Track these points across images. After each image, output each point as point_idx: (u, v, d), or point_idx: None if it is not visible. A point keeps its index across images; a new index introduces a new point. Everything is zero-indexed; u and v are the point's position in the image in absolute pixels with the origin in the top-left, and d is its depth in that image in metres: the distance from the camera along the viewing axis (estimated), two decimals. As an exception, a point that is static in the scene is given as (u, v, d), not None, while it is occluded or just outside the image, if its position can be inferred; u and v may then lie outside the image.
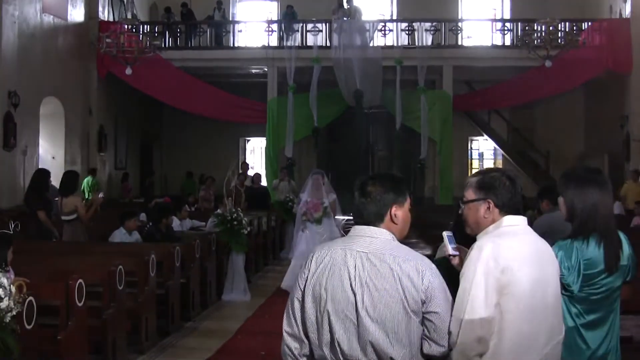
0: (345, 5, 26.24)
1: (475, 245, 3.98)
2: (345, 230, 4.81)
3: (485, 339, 3.82)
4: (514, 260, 3.85)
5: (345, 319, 3.72)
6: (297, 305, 3.92)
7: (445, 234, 4.47)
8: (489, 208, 4.08)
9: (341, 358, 3.75)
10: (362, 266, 3.74)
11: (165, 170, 29.79)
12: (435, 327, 3.72)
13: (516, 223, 4.06)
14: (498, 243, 3.91)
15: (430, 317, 3.71)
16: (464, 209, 4.22)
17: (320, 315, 3.80)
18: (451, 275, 4.07)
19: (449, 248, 4.39)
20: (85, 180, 23.80)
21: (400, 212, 3.94)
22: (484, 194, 4.10)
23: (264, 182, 23.48)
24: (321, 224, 13.58)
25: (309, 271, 3.90)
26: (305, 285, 3.89)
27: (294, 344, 3.94)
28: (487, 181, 4.12)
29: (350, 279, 3.74)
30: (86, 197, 21.57)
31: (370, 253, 3.77)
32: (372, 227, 3.89)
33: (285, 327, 3.99)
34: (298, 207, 14.19)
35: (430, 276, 3.72)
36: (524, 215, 4.13)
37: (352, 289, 3.73)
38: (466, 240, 4.33)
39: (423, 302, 3.69)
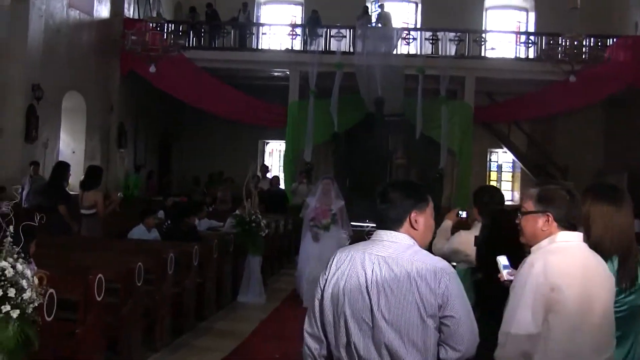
0: (371, 10, 26.27)
1: (527, 261, 3.98)
2: (368, 236, 4.82)
3: (529, 353, 3.83)
4: (563, 279, 3.85)
5: (362, 322, 3.75)
6: (317, 306, 3.98)
7: (498, 258, 4.45)
8: (547, 221, 4.06)
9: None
10: (380, 269, 3.76)
11: (183, 170, 29.79)
12: (451, 331, 3.71)
13: (570, 239, 4.04)
14: (549, 260, 3.91)
15: (446, 321, 3.71)
16: (522, 220, 4.21)
17: (338, 316, 3.84)
18: (478, 288, 4.07)
19: (504, 273, 4.38)
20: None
21: (421, 218, 3.95)
22: (544, 207, 4.08)
23: (281, 185, 23.52)
24: (329, 230, 13.24)
25: (329, 273, 3.95)
26: (324, 287, 3.94)
27: (313, 344, 4.01)
28: (548, 194, 4.11)
29: (367, 281, 3.77)
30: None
31: (388, 257, 3.79)
32: (392, 232, 3.91)
33: (306, 326, 4.05)
34: (306, 211, 13.80)
35: (448, 281, 3.72)
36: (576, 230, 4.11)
37: (368, 292, 3.75)
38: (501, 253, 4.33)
39: (440, 307, 3.69)
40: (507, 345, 3.86)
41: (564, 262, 3.91)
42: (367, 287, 3.76)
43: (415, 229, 3.93)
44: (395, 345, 3.68)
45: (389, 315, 3.69)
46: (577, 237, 4.06)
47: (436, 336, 3.73)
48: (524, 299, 3.83)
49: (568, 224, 4.04)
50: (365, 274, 3.78)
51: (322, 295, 3.95)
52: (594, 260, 4.04)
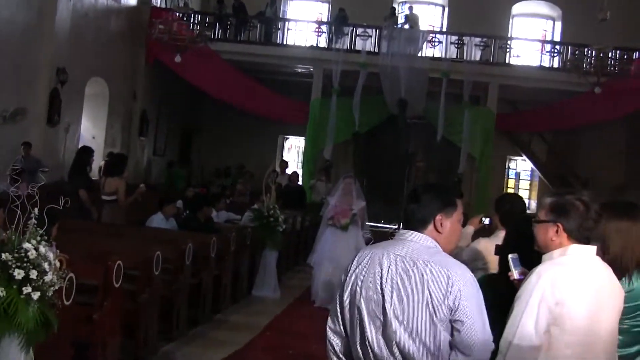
0: (398, 11, 26.25)
1: (536, 271, 3.95)
2: (392, 237, 4.81)
3: None
4: (570, 293, 3.81)
5: (375, 318, 3.78)
6: (338, 302, 4.02)
7: (510, 256, 4.42)
8: (557, 232, 4.02)
9: (371, 356, 3.80)
10: (395, 268, 3.78)
11: (202, 161, 29.83)
12: (461, 336, 3.70)
13: (582, 253, 3.99)
14: (558, 272, 3.88)
15: (456, 325, 3.70)
16: (535, 228, 4.17)
17: (354, 312, 3.88)
18: (495, 295, 4.04)
19: (514, 272, 4.35)
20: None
21: (448, 223, 3.96)
22: (555, 217, 4.04)
23: (300, 182, 23.52)
24: (347, 231, 12.88)
25: (350, 269, 3.98)
26: (345, 283, 3.97)
27: (336, 341, 4.06)
28: (561, 204, 4.06)
29: (381, 278, 3.80)
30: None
31: (406, 257, 3.81)
32: (415, 232, 3.93)
33: (329, 323, 4.10)
34: (325, 210, 13.51)
35: (462, 285, 3.70)
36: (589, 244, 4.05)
37: (381, 290, 3.78)
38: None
39: (450, 310, 3.68)
40: (507, 354, 3.85)
41: (572, 276, 3.88)
42: (381, 283, 3.79)
43: (439, 232, 3.94)
44: (405, 343, 3.69)
45: (400, 314, 3.71)
46: (590, 251, 4.01)
47: (447, 338, 3.72)
48: (528, 309, 3.82)
49: (580, 236, 3.99)
50: (382, 271, 3.81)
51: (342, 292, 3.98)
52: (605, 276, 4.00)
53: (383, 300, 3.74)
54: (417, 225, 3.93)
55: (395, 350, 3.70)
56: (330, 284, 12.42)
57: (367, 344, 3.78)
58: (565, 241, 4.01)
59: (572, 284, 3.84)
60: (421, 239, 3.88)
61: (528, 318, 3.80)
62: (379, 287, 3.78)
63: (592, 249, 4.04)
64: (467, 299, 3.68)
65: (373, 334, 3.77)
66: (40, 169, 15.99)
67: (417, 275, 3.72)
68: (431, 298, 3.67)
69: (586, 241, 4.01)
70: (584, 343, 3.83)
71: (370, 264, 3.87)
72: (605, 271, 4.02)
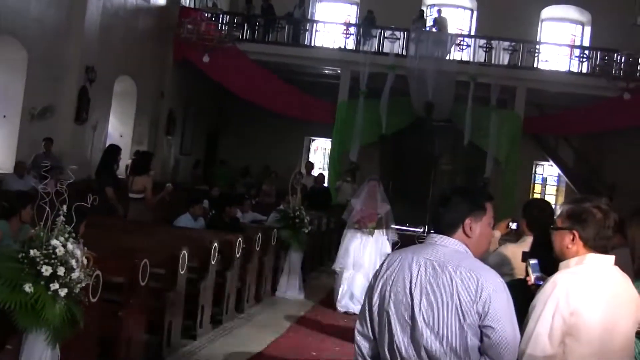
0: (427, 14, 26.20)
1: (551, 280, 3.91)
2: (419, 241, 4.77)
3: None
4: (585, 303, 3.77)
5: (404, 322, 3.75)
6: (367, 305, 3.99)
7: (530, 261, 4.40)
8: (573, 239, 3.99)
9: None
10: (425, 272, 3.76)
11: (228, 160, 29.88)
12: (491, 342, 3.66)
13: (599, 262, 3.93)
14: (574, 282, 3.83)
15: (486, 331, 3.66)
16: (552, 235, 4.15)
17: (383, 316, 3.85)
18: (523, 300, 4.02)
19: (532, 277, 4.33)
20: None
21: (477, 227, 3.92)
22: (571, 224, 4.00)
23: (326, 183, 23.53)
24: (372, 235, 12.65)
25: (379, 273, 3.96)
26: (374, 286, 3.95)
27: (363, 343, 4.03)
28: (578, 211, 4.01)
29: (411, 283, 3.77)
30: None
31: (436, 261, 3.78)
32: (444, 237, 3.90)
33: (357, 325, 4.07)
34: (348, 213, 13.15)
35: (492, 291, 3.66)
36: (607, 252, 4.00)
37: (411, 294, 3.75)
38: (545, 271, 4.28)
39: (480, 316, 3.65)
40: None
41: (587, 286, 3.83)
42: (410, 287, 3.76)
43: (469, 236, 3.90)
44: (434, 348, 3.67)
45: (429, 319, 3.69)
46: (607, 260, 3.95)
47: (476, 344, 3.69)
48: (542, 319, 3.78)
49: (597, 245, 3.94)
50: (411, 275, 3.78)
51: (371, 295, 3.95)
52: (622, 286, 3.95)
53: (412, 304, 3.73)
54: (446, 229, 3.91)
55: (424, 355, 3.69)
56: (355, 288, 12.41)
57: (396, 347, 3.76)
58: (581, 249, 3.97)
59: (587, 293, 3.80)
60: (451, 243, 3.86)
61: (542, 327, 3.77)
62: (408, 291, 3.76)
63: (610, 258, 3.98)
64: (497, 304, 3.65)
65: (401, 338, 3.75)
66: (58, 166, 16.09)
67: (446, 279, 3.70)
68: (460, 303, 3.65)
69: (603, 250, 3.96)
70: (599, 353, 3.79)
71: (400, 267, 3.85)
72: (622, 281, 3.97)
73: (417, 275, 3.76)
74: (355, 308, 12.06)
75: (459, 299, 3.65)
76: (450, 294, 3.67)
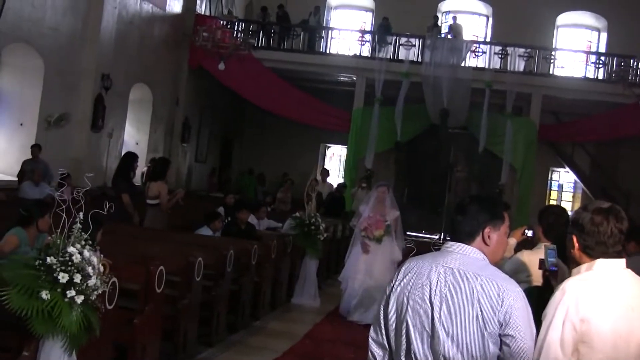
0: (442, 21, 26.19)
1: (561, 287, 3.85)
2: (434, 247, 4.75)
3: None
4: (596, 310, 3.72)
5: (423, 331, 3.74)
6: (382, 313, 3.98)
7: (547, 247, 4.38)
8: (574, 246, 3.98)
9: None
10: (445, 281, 3.75)
11: (243, 168, 29.94)
12: (511, 351, 3.66)
13: (610, 267, 3.88)
14: (583, 288, 3.78)
15: (506, 340, 3.66)
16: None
17: (400, 324, 3.83)
18: (539, 307, 4.01)
19: (547, 264, 4.31)
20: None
21: (495, 235, 3.93)
22: (571, 230, 4.00)
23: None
24: (381, 243, 12.22)
25: (396, 280, 3.94)
26: (390, 294, 3.94)
27: (378, 351, 4.03)
28: (575, 219, 3.99)
29: (430, 291, 3.76)
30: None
31: (455, 269, 3.77)
32: (462, 245, 3.89)
33: (371, 333, 4.07)
34: (358, 221, 12.72)
35: (512, 299, 3.66)
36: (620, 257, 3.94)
37: (430, 302, 3.74)
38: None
39: (501, 325, 3.65)
40: None
41: (598, 292, 3.77)
42: (430, 296, 3.75)
43: (487, 244, 3.91)
44: (453, 357, 3.65)
45: (449, 327, 3.67)
46: (617, 264, 3.90)
47: (495, 352, 3.69)
48: (552, 327, 3.73)
49: (596, 253, 3.89)
50: (430, 283, 3.77)
51: (387, 303, 3.95)
52: (634, 289, 3.88)
53: (432, 312, 3.71)
54: (465, 237, 3.91)
55: None
56: (363, 298, 12.18)
57: (413, 356, 3.75)
58: (583, 255, 3.94)
59: (597, 300, 3.74)
60: (469, 252, 3.86)
61: (553, 336, 3.72)
62: (427, 299, 3.75)
63: (621, 262, 3.92)
64: (518, 313, 3.66)
65: (419, 347, 3.74)
66: (47, 173, 16.14)
67: (467, 288, 3.69)
68: (481, 312, 3.64)
69: (604, 255, 3.89)
70: (612, 358, 3.74)
71: (417, 275, 3.84)
72: (635, 284, 3.90)
73: (437, 283, 3.75)
74: (366, 318, 11.92)
75: (480, 308, 3.65)
76: (472, 302, 3.66)
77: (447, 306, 3.70)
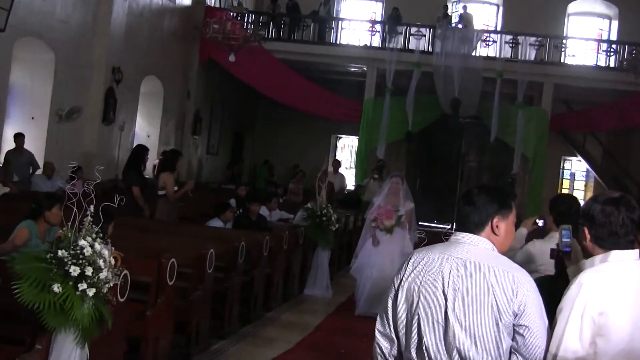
0: (452, 11, 26.12)
1: (576, 280, 3.79)
2: (445, 237, 4.72)
3: None
4: (612, 302, 3.68)
5: (435, 323, 3.72)
6: (390, 305, 3.95)
7: (562, 227, 4.35)
8: (585, 237, 3.94)
9: None
10: (457, 272, 3.73)
11: (255, 160, 29.94)
12: (525, 341, 3.66)
13: (624, 258, 3.82)
14: (600, 281, 3.74)
15: (520, 330, 3.66)
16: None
17: (411, 317, 3.81)
18: (551, 297, 3.99)
19: (561, 244, 4.28)
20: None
21: (503, 225, 3.92)
22: (582, 221, 3.95)
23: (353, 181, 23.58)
24: (392, 234, 11.84)
25: (404, 272, 3.91)
26: (399, 286, 3.91)
27: (384, 344, 3.99)
28: (586, 210, 3.94)
29: (443, 283, 3.73)
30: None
31: (467, 260, 3.75)
32: (472, 235, 3.88)
33: (377, 325, 4.04)
34: (369, 211, 12.47)
35: (526, 290, 3.66)
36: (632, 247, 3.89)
37: (444, 294, 3.72)
38: None
39: (515, 315, 3.64)
40: None
41: (614, 285, 3.73)
42: (443, 288, 3.73)
43: (496, 234, 3.90)
44: (467, 349, 3.64)
45: (463, 319, 3.66)
46: (632, 255, 3.84)
47: (509, 344, 3.68)
48: (570, 322, 3.68)
49: (607, 244, 3.84)
50: (442, 275, 3.75)
51: (396, 295, 3.92)
52: None
53: (445, 305, 3.70)
54: (475, 228, 3.90)
55: (455, 356, 3.66)
56: (375, 291, 11.71)
57: (424, 349, 3.73)
58: (595, 247, 3.88)
59: (614, 292, 3.70)
60: (479, 242, 3.85)
61: (571, 330, 3.67)
62: (440, 292, 3.73)
63: (635, 253, 3.86)
64: (531, 303, 3.66)
65: (431, 340, 3.71)
66: (32, 164, 16.15)
67: (481, 279, 3.68)
68: (497, 303, 3.63)
69: (625, 245, 3.84)
70: (632, 350, 3.69)
71: (428, 267, 3.81)
72: None
73: (450, 275, 3.73)
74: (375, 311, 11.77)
75: (495, 299, 3.64)
76: (486, 293, 3.65)
77: (461, 298, 3.68)
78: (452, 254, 3.80)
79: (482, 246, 3.83)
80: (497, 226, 3.89)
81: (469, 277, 3.70)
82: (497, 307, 3.63)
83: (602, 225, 3.83)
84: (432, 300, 3.74)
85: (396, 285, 3.94)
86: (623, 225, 3.81)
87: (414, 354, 3.79)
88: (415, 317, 3.77)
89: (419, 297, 3.78)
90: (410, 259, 3.96)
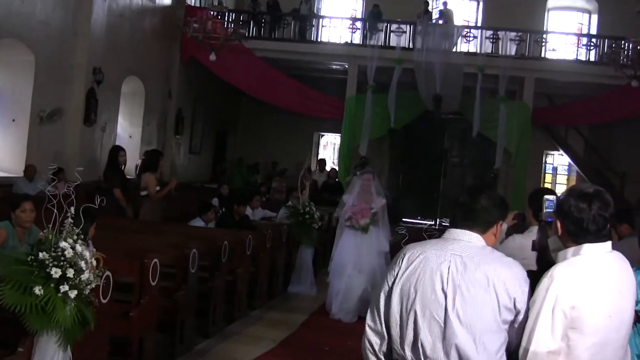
0: (432, 7, 26.15)
1: (549, 273, 3.79)
2: (427, 233, 4.68)
3: None
4: (586, 295, 3.69)
5: (432, 320, 3.72)
6: (382, 301, 3.94)
7: (545, 197, 4.34)
8: (558, 231, 3.95)
9: (422, 359, 3.73)
10: (456, 269, 3.74)
11: (237, 158, 29.93)
12: (516, 329, 3.75)
13: (596, 252, 3.83)
14: (571, 274, 3.74)
15: (515, 320, 3.75)
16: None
17: (406, 314, 3.80)
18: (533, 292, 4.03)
19: (544, 214, 4.28)
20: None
21: (500, 228, 4.04)
22: (556, 215, 3.97)
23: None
24: (367, 232, 11.65)
25: (399, 269, 3.89)
26: (394, 283, 3.89)
27: (374, 339, 3.98)
28: (559, 203, 3.96)
29: (442, 280, 3.73)
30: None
31: (466, 257, 3.77)
32: (468, 232, 3.90)
33: (368, 321, 4.02)
34: (340, 210, 12.12)
35: (525, 285, 3.75)
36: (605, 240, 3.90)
37: (443, 291, 3.72)
38: None
39: (515, 309, 3.72)
40: None
41: (586, 278, 3.74)
42: (442, 285, 3.73)
43: (495, 236, 3.99)
44: (467, 346, 3.65)
45: (464, 316, 3.67)
46: (603, 248, 3.85)
47: (506, 339, 3.74)
48: (542, 315, 3.69)
49: (579, 238, 3.83)
50: (441, 272, 3.76)
51: (389, 291, 3.90)
52: (624, 273, 3.87)
53: (445, 302, 3.70)
54: (480, 227, 3.93)
55: (453, 353, 3.66)
56: (353, 292, 11.56)
57: (420, 346, 3.73)
58: (569, 241, 3.88)
59: (587, 286, 3.71)
60: (476, 239, 3.88)
61: (543, 323, 3.67)
62: (439, 288, 3.72)
63: (606, 245, 3.87)
64: (526, 297, 3.74)
65: (427, 337, 3.71)
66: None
67: (481, 276, 3.69)
68: (497, 298, 3.66)
69: (598, 238, 3.84)
70: (605, 342, 3.72)
71: (424, 263, 3.81)
72: (620, 266, 3.88)
73: (449, 272, 3.74)
74: (347, 317, 11.52)
75: (497, 294, 3.67)
76: (487, 289, 3.67)
77: (461, 295, 3.69)
78: (449, 251, 3.82)
79: (477, 243, 3.87)
80: (497, 229, 3.99)
81: (468, 274, 3.71)
82: (498, 302, 3.67)
83: (574, 220, 3.82)
84: (430, 297, 3.74)
85: (390, 282, 3.92)
86: (594, 222, 3.79)
87: (408, 351, 3.79)
88: (412, 313, 3.77)
89: (415, 294, 3.78)
90: (404, 254, 3.94)
